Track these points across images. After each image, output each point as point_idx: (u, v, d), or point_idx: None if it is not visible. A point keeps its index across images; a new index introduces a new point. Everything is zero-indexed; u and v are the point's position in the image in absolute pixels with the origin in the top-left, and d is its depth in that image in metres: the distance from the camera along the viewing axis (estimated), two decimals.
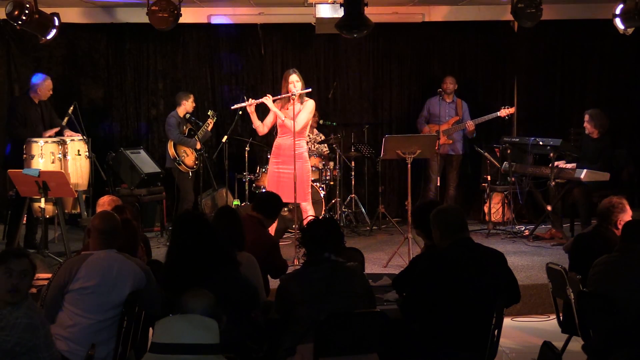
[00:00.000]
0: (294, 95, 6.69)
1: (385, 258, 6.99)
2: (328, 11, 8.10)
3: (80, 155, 7.32)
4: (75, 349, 3.74)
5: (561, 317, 4.69)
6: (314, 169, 8.20)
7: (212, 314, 2.99)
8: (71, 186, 6.84)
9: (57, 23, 7.26)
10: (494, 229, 8.43)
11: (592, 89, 9.58)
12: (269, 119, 7.01)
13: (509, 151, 8.04)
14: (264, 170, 8.42)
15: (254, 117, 6.98)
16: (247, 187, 8.56)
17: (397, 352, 3.84)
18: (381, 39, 9.48)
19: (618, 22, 7.33)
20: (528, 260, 6.96)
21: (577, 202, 7.62)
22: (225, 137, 8.32)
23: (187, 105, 8.33)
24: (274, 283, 4.71)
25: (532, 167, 8.11)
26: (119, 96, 9.41)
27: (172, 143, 8.20)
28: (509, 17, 7.84)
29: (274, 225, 6.14)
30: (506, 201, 8.65)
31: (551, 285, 4.75)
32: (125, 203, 5.48)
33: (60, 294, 3.85)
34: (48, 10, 7.26)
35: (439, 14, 9.50)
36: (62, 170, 7.01)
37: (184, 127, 8.32)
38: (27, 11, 6.74)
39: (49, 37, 7.29)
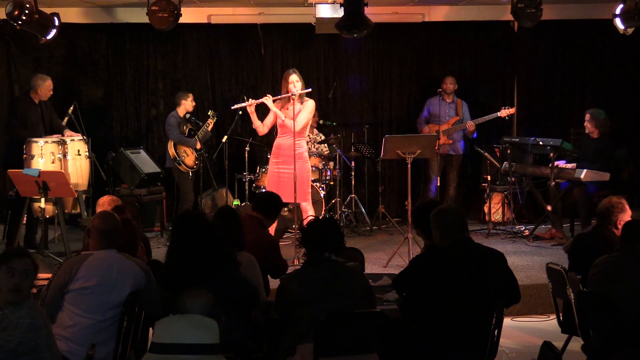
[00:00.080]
0: (294, 95, 6.69)
1: (385, 258, 6.99)
2: (328, 11, 8.09)
3: (80, 155, 7.31)
4: (75, 349, 3.74)
5: (561, 317, 4.69)
6: (314, 169, 8.20)
7: (211, 314, 2.99)
8: (71, 186, 6.84)
9: (57, 23, 7.25)
10: (494, 229, 8.42)
11: (592, 89, 9.57)
12: (269, 119, 7.01)
13: (509, 151, 8.04)
14: (264, 170, 8.41)
15: (254, 117, 6.98)
16: (247, 187, 8.55)
17: (397, 352, 3.84)
18: (381, 39, 9.47)
19: (618, 22, 7.33)
20: (528, 260, 6.95)
21: (577, 202, 7.62)
22: (225, 137, 8.32)
23: (186, 105, 8.32)
24: (274, 283, 4.71)
25: (532, 167, 8.11)
26: (119, 96, 9.41)
27: (172, 143, 8.20)
28: (509, 17, 7.82)
29: (274, 225, 6.14)
30: (506, 201, 8.65)
31: (551, 285, 4.75)
32: (125, 203, 5.47)
33: (60, 294, 3.85)
34: (48, 10, 7.25)
35: (439, 14, 9.49)
36: (62, 170, 7.01)
37: (184, 127, 8.32)
38: (27, 11, 6.74)
39: (49, 37, 7.28)
